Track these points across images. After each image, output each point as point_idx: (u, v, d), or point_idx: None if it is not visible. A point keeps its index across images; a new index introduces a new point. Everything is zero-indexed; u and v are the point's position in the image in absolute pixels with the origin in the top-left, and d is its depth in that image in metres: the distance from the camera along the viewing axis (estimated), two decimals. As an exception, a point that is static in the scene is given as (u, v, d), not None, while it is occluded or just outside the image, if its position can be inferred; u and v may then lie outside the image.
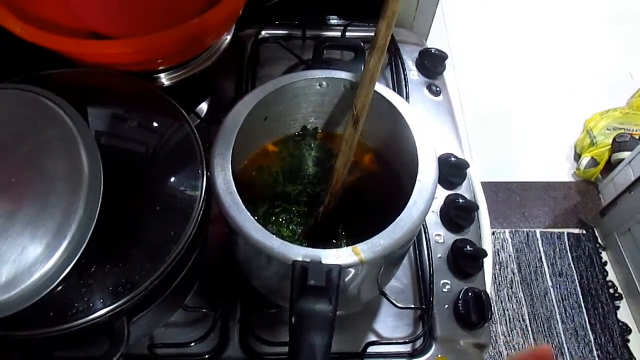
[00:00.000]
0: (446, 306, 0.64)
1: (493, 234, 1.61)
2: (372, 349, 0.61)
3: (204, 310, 0.61)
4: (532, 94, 1.90)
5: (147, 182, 0.54)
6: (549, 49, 2.02)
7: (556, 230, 1.64)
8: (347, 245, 0.47)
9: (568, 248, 1.61)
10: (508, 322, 1.48)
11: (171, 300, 0.55)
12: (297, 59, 0.82)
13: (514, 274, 1.56)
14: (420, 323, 0.64)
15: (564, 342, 1.45)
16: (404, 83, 0.81)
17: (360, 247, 0.46)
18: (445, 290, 0.66)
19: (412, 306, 0.65)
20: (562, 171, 1.78)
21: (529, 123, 1.83)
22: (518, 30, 2.06)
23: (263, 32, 0.86)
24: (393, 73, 0.84)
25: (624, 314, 1.50)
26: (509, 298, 1.52)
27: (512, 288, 1.54)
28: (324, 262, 0.44)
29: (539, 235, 1.63)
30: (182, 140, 0.56)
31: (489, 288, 0.68)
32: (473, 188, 0.75)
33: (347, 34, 0.86)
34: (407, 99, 0.80)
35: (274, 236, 0.47)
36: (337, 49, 0.76)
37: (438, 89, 0.83)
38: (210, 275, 0.63)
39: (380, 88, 0.56)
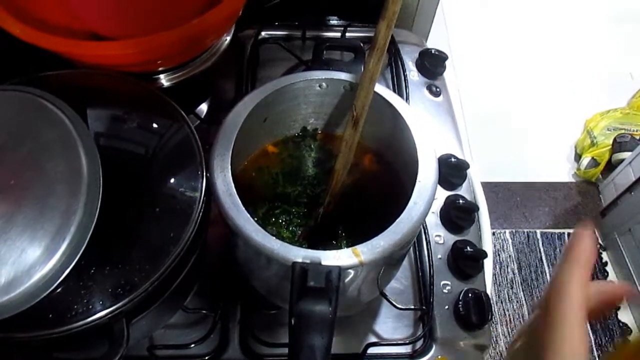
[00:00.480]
0: (446, 307, 0.64)
1: (493, 234, 1.61)
2: (372, 350, 0.61)
3: (204, 312, 0.61)
4: (532, 94, 1.90)
5: (146, 184, 0.54)
6: (549, 49, 2.02)
7: (556, 231, 1.64)
8: (347, 246, 0.47)
9: (568, 248, 1.61)
10: (508, 322, 1.48)
11: (171, 301, 0.55)
12: (296, 60, 0.82)
13: (514, 274, 1.56)
14: (420, 324, 0.64)
15: (565, 343, 1.45)
16: (403, 83, 0.81)
17: (359, 248, 0.46)
18: (445, 291, 0.66)
19: (412, 307, 0.65)
20: (562, 171, 1.78)
21: (529, 123, 1.83)
22: (518, 30, 2.06)
23: (262, 33, 0.85)
24: (393, 73, 0.84)
25: (624, 314, 1.50)
26: (509, 298, 1.52)
27: (512, 288, 1.54)
28: (323, 263, 0.44)
29: (539, 236, 1.63)
30: (181, 141, 0.56)
31: (489, 289, 0.68)
32: (473, 188, 0.75)
33: (347, 34, 0.85)
34: (407, 99, 0.80)
35: (274, 237, 0.47)
36: (336, 50, 0.76)
37: (438, 90, 0.82)
38: (210, 276, 0.63)
39: (380, 88, 0.56)
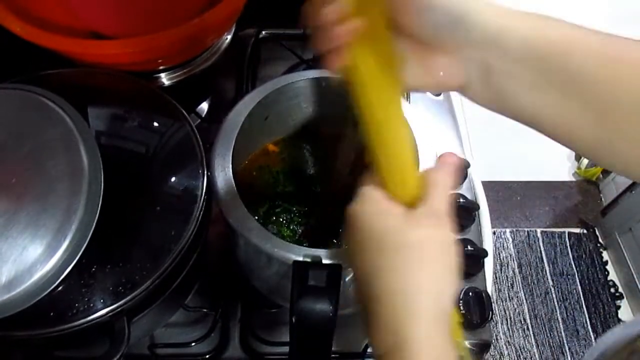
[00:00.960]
0: (447, 306, 0.64)
1: (494, 233, 1.61)
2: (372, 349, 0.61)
3: (204, 310, 0.61)
4: (533, 93, 1.90)
5: (147, 182, 0.54)
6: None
7: (557, 230, 1.64)
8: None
9: (569, 247, 1.61)
10: (509, 321, 1.48)
11: (171, 300, 0.55)
12: (297, 59, 0.81)
13: (514, 274, 1.56)
14: (420, 323, 0.64)
15: (565, 342, 1.45)
16: (404, 82, 0.81)
17: (360, 246, 0.46)
18: (445, 289, 0.66)
19: (413, 306, 0.65)
20: (562, 170, 1.78)
21: (530, 122, 1.83)
22: (519, 29, 2.06)
23: (263, 32, 0.85)
24: (393, 72, 0.84)
25: (625, 313, 1.50)
26: (509, 297, 1.52)
27: (512, 287, 1.54)
28: (324, 261, 0.44)
29: (539, 235, 1.63)
30: (182, 140, 0.56)
31: (490, 287, 0.68)
32: (473, 187, 0.75)
33: (348, 33, 0.85)
34: (408, 98, 0.80)
35: (274, 236, 0.47)
36: (337, 49, 0.76)
37: (438, 88, 0.82)
38: (211, 275, 0.63)
39: (380, 87, 0.56)
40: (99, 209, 0.45)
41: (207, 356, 0.60)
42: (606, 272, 1.56)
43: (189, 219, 0.50)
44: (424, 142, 0.53)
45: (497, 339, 1.45)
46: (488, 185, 1.63)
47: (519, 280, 1.55)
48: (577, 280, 1.55)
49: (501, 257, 1.58)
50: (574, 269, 1.57)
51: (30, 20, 0.57)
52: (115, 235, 0.50)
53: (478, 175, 0.77)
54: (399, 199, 0.36)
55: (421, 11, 0.31)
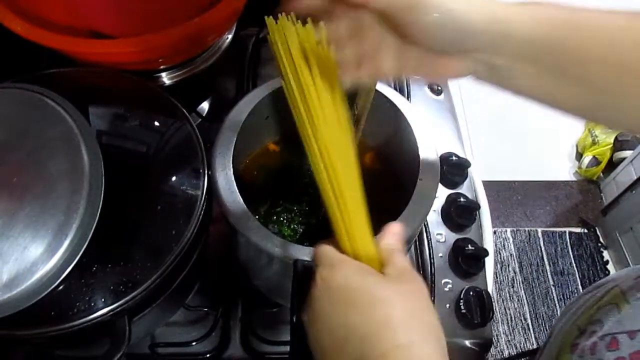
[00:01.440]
0: (447, 305, 0.64)
1: (494, 232, 1.61)
2: (373, 348, 0.61)
3: (205, 309, 0.61)
4: (534, 93, 1.90)
5: (148, 181, 0.54)
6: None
7: (557, 229, 1.64)
8: (348, 244, 0.47)
9: (569, 247, 1.61)
10: (509, 321, 1.48)
11: (172, 299, 0.55)
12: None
13: (515, 273, 1.56)
14: (421, 322, 0.64)
15: (565, 341, 1.45)
16: (405, 82, 0.81)
17: (361, 246, 0.46)
18: (446, 289, 0.66)
19: (413, 305, 0.65)
20: (563, 170, 1.78)
21: (530, 121, 1.83)
22: (519, 28, 2.06)
23: (264, 31, 0.85)
24: (394, 72, 0.84)
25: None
26: (510, 297, 1.52)
27: (513, 287, 1.54)
28: (325, 261, 0.44)
29: (540, 234, 1.63)
30: (183, 139, 0.56)
31: (490, 287, 0.68)
32: (474, 187, 0.75)
33: (348, 32, 0.85)
34: (408, 97, 0.80)
35: (275, 235, 0.47)
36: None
37: (439, 88, 0.82)
38: (211, 274, 0.63)
39: (381, 87, 0.56)
40: (100, 208, 0.45)
41: (208, 355, 0.60)
42: (607, 272, 1.56)
43: (189, 219, 0.50)
44: (425, 141, 0.53)
45: (497, 338, 1.45)
46: (488, 185, 1.63)
47: (520, 279, 1.55)
48: (578, 280, 1.55)
49: (502, 257, 1.58)
50: (575, 268, 1.57)
51: (31, 19, 0.57)
52: (116, 235, 0.50)
53: (479, 174, 0.77)
54: (363, 262, 0.36)
55: (430, 29, 0.33)
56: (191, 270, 0.54)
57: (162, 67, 0.66)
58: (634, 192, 1.48)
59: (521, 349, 1.44)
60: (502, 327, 1.47)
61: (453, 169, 0.73)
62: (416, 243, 0.69)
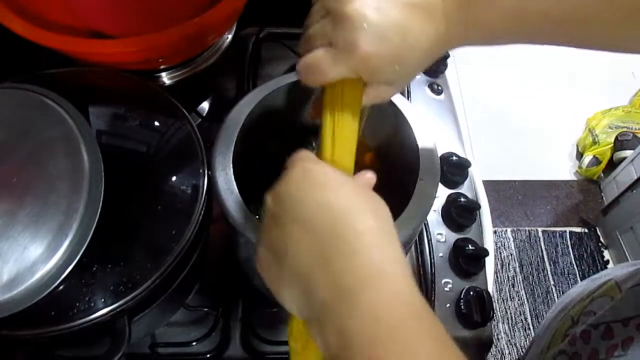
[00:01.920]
0: (447, 305, 0.64)
1: (495, 232, 1.61)
2: (373, 348, 0.61)
3: (205, 309, 0.61)
4: (534, 92, 1.90)
5: (148, 181, 0.54)
6: (551, 47, 2.01)
7: (558, 229, 1.64)
8: (348, 244, 0.47)
9: (570, 246, 1.61)
10: (510, 320, 1.48)
11: (172, 299, 0.55)
12: (298, 58, 0.81)
13: (515, 273, 1.56)
14: (421, 322, 0.64)
15: (566, 341, 1.45)
16: (405, 82, 0.81)
17: (361, 246, 0.46)
18: (446, 289, 0.66)
19: (414, 305, 0.65)
20: (564, 169, 1.78)
21: (531, 121, 1.83)
22: (520, 28, 2.06)
23: (264, 31, 0.85)
24: (394, 71, 0.84)
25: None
26: (510, 297, 1.52)
27: (513, 286, 1.54)
28: (325, 261, 0.44)
29: (540, 234, 1.63)
30: (183, 139, 0.56)
31: (491, 287, 0.68)
32: (474, 186, 0.75)
33: (349, 32, 0.85)
34: (409, 97, 0.79)
35: (275, 235, 0.46)
36: (338, 48, 0.75)
37: (439, 88, 0.82)
38: (212, 274, 0.63)
39: (381, 87, 0.56)
40: (100, 208, 0.45)
41: (208, 355, 0.60)
42: (607, 272, 1.56)
43: (189, 219, 0.50)
44: (425, 141, 0.53)
45: (498, 338, 1.45)
46: (489, 185, 1.63)
47: (520, 279, 1.55)
48: (579, 280, 1.55)
49: (502, 257, 1.58)
50: (575, 268, 1.57)
51: (31, 19, 0.57)
52: (116, 235, 0.50)
53: (479, 174, 0.77)
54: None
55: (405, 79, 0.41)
56: (191, 270, 0.54)
57: (162, 67, 0.66)
58: (634, 191, 1.48)
59: (521, 349, 1.44)
60: (503, 327, 1.47)
61: (453, 169, 0.73)
62: (416, 243, 0.69)
